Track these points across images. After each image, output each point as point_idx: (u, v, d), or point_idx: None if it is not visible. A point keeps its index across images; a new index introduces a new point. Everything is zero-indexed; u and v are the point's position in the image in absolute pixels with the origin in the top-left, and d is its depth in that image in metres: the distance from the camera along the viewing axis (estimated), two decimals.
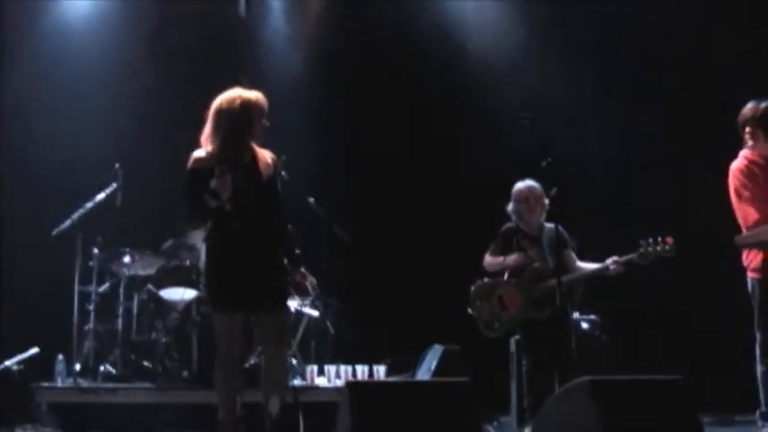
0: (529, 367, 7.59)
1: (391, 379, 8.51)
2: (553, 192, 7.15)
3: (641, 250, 7.18)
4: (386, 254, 10.06)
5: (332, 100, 10.38)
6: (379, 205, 10.19)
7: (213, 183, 5.95)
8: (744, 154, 6.87)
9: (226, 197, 5.98)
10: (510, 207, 7.79)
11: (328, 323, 8.87)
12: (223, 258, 6.15)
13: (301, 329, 9.12)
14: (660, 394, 4.73)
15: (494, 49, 10.46)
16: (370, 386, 4.57)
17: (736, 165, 6.86)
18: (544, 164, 6.77)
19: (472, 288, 7.77)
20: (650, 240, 7.15)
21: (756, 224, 6.61)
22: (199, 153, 6.18)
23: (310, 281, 6.58)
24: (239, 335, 6.15)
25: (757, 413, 6.82)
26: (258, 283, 6.10)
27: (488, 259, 7.79)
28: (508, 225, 7.80)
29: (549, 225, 7.63)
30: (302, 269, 6.45)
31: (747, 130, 6.79)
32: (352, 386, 4.43)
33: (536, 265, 7.57)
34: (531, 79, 10.29)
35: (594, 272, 7.48)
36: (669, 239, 7.14)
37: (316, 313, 8.99)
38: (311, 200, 9.08)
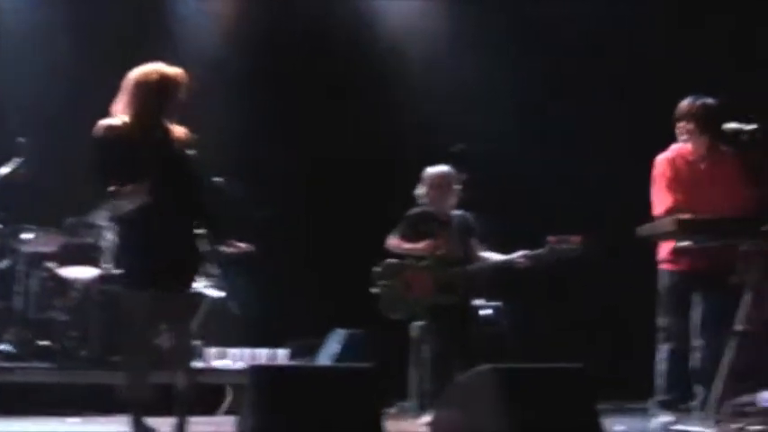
0: (432, 353, 7.56)
1: (295, 363, 8.46)
2: (463, 177, 7.13)
3: (549, 247, 7.25)
4: (290, 236, 9.97)
5: (252, 77, 10.20)
6: (286, 185, 10.06)
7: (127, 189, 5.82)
8: (674, 147, 6.94)
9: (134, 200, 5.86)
10: (420, 191, 7.74)
11: (231, 305, 8.77)
12: (135, 235, 6.01)
13: (204, 310, 9.00)
14: (560, 382, 4.78)
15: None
16: (274, 370, 4.53)
17: (664, 155, 6.93)
18: (456, 149, 6.74)
19: (377, 268, 7.67)
20: (558, 238, 7.22)
21: (666, 213, 6.65)
22: (113, 121, 5.99)
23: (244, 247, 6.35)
24: (149, 313, 6.02)
25: (652, 401, 6.91)
26: (170, 261, 5.96)
27: (394, 242, 7.70)
28: (417, 209, 7.74)
29: (458, 212, 7.62)
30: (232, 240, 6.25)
31: (682, 125, 6.85)
32: (256, 370, 4.39)
33: (446, 250, 7.54)
34: (441, 68, 10.31)
35: (502, 263, 7.52)
36: (576, 238, 7.22)
37: (219, 294, 8.88)
38: (220, 179, 8.93)
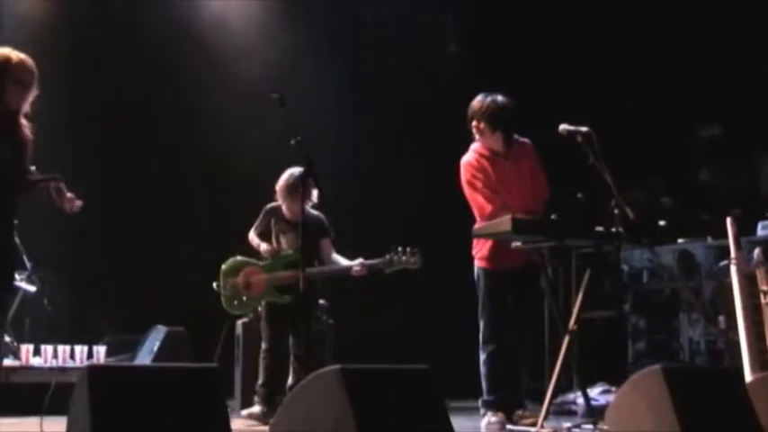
0: (262, 352, 7.48)
1: (136, 364, 8.11)
2: (301, 172, 6.92)
3: (387, 257, 7.28)
4: (105, 229, 9.59)
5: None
6: (107, 178, 9.70)
7: None
8: (474, 148, 6.95)
9: None
10: (277, 189, 7.61)
11: (45, 300, 8.43)
12: None
13: (15, 305, 8.51)
14: (408, 383, 4.66)
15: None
16: (113, 371, 4.21)
17: (467, 158, 6.94)
18: (293, 142, 6.56)
19: (225, 264, 7.60)
20: (397, 249, 7.25)
21: (493, 214, 6.67)
22: None
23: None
24: None
25: (479, 401, 6.93)
26: None
27: (251, 235, 7.68)
28: (273, 204, 7.66)
29: (314, 212, 7.53)
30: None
31: (474, 123, 6.86)
32: (93, 370, 4.07)
33: (288, 251, 7.49)
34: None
35: (339, 271, 7.52)
36: (414, 251, 7.25)
37: (32, 288, 8.46)
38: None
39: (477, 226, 6.74)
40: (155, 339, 8.53)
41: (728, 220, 6.96)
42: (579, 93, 10.13)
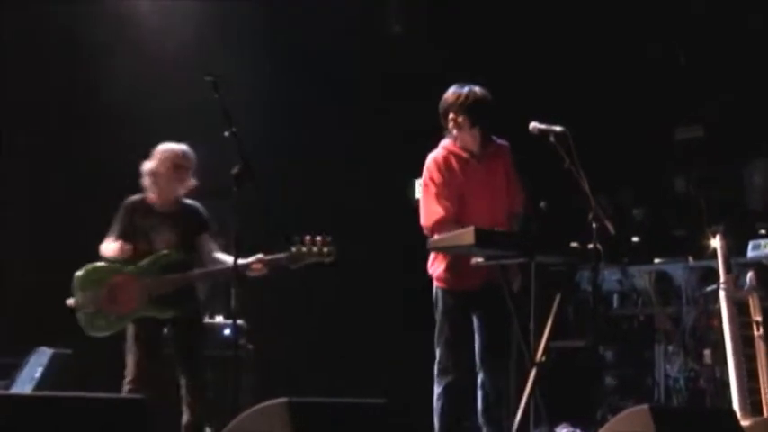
0: (130, 383, 7.10)
1: (46, 393, 7.88)
2: (237, 169, 6.78)
3: (293, 249, 7.01)
4: None
5: None
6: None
7: None
8: (444, 144, 6.94)
9: None
10: (146, 172, 7.29)
11: None
12: None
13: None
14: (363, 419, 4.69)
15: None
16: (20, 401, 4.18)
17: (434, 155, 6.92)
18: (227, 134, 6.53)
19: (79, 273, 7.18)
20: (304, 238, 7.00)
21: (439, 223, 6.67)
22: None
23: None
24: None
25: None
26: None
27: (104, 246, 7.26)
28: (135, 198, 7.30)
29: (189, 202, 7.33)
30: None
31: (451, 116, 6.84)
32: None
33: (165, 251, 7.16)
34: None
35: (234, 269, 6.84)
36: (326, 240, 7.04)
37: None
38: None
39: (435, 237, 6.65)
40: (37, 364, 8.41)
41: (717, 237, 7.00)
42: (539, 84, 10.29)
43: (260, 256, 7.05)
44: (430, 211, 6.78)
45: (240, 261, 6.76)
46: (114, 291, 7.12)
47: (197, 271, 7.17)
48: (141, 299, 7.09)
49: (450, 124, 6.85)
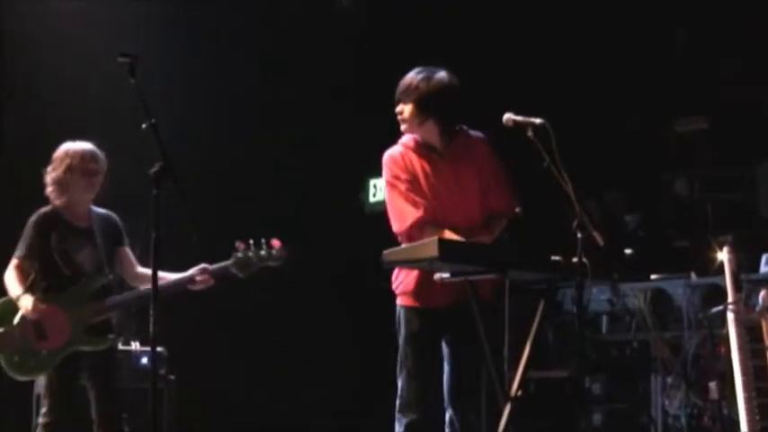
0: (46, 425, 6.94)
1: None
2: (156, 167, 6.45)
3: (239, 255, 6.96)
4: None
5: None
6: None
7: None
8: (403, 141, 6.66)
9: None
10: (50, 180, 7.05)
11: None
12: None
13: None
14: None
15: None
16: None
17: (390, 152, 6.63)
18: (145, 126, 6.12)
19: None
20: (250, 243, 6.96)
21: (418, 226, 6.38)
22: None
23: None
24: None
25: None
26: None
27: (8, 275, 7.02)
28: (45, 210, 7.05)
29: (102, 211, 7.14)
30: None
31: (398, 109, 6.56)
32: None
33: (92, 274, 6.96)
34: None
35: (173, 284, 6.96)
36: (276, 242, 7.01)
37: None
38: None
39: (392, 250, 6.31)
40: None
41: (725, 250, 6.69)
42: (514, 70, 10.28)
43: (204, 265, 7.02)
44: (403, 212, 6.47)
45: (180, 274, 6.93)
46: (41, 324, 6.93)
47: (137, 291, 7.07)
48: (72, 331, 6.94)
49: (398, 117, 6.57)
